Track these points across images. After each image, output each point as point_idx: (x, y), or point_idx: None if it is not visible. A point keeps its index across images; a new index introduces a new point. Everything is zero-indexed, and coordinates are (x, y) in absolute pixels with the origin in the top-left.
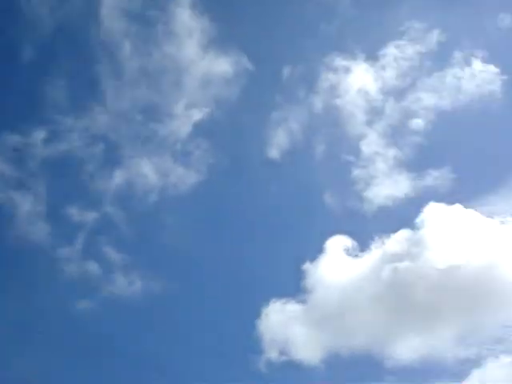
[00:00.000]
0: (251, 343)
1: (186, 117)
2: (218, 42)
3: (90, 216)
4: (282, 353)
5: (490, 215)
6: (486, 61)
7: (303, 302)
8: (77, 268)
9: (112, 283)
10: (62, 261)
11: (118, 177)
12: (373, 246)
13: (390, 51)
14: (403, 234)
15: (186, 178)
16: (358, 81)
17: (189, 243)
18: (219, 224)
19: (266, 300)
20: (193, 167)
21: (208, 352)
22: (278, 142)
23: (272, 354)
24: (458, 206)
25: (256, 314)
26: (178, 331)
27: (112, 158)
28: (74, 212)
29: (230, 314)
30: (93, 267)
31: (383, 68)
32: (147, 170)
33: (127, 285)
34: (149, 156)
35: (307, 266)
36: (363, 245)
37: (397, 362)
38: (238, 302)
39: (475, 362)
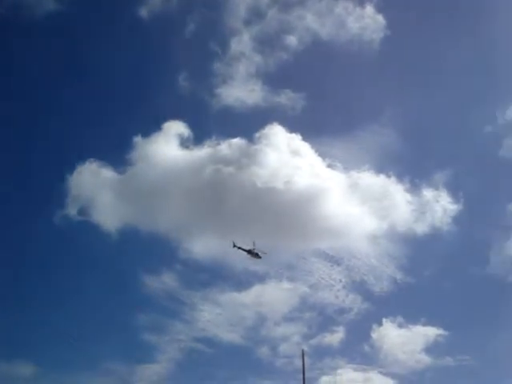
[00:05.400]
0: (54, 195)
1: None
2: None
3: None
4: (81, 212)
5: (322, 155)
6: (378, 9)
7: (122, 172)
8: None
9: None
10: None
11: None
12: (206, 143)
13: None
14: (239, 142)
15: (43, 2)
16: None
17: (35, 74)
18: (71, 66)
19: (83, 157)
20: None
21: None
22: (152, 3)
23: (71, 211)
24: (296, 136)
25: (69, 168)
26: None
27: None
28: None
29: (43, 156)
30: None
31: None
32: None
33: None
34: None
35: (138, 139)
36: (199, 139)
37: (189, 255)
38: (56, 147)
39: (260, 279)
